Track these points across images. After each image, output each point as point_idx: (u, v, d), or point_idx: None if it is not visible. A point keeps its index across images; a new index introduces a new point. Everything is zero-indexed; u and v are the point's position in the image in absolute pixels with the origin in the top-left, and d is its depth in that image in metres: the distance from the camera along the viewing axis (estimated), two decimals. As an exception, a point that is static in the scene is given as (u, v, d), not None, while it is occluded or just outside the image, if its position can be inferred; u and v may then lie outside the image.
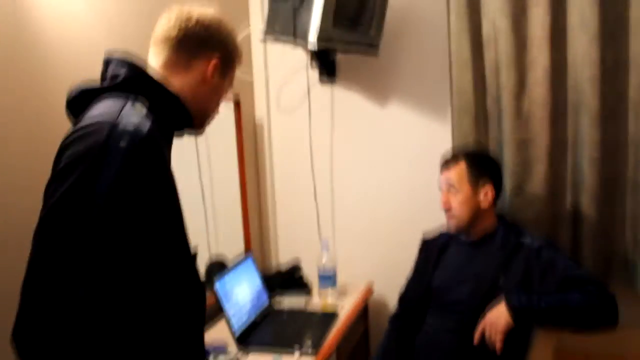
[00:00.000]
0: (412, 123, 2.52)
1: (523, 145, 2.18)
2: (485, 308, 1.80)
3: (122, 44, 1.87)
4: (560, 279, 1.81)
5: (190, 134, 1.33)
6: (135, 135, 1.03)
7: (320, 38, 2.06)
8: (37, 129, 1.54)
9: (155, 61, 1.25)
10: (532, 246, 1.89)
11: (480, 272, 1.93)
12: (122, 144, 1.01)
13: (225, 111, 2.48)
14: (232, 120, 2.53)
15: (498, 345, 1.73)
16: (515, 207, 2.20)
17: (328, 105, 2.64)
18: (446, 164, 2.01)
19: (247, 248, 2.61)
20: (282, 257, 2.81)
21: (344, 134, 2.65)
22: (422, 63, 2.47)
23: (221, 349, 1.98)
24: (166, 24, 1.25)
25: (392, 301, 2.34)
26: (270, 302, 2.36)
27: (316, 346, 1.97)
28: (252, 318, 2.18)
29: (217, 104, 1.33)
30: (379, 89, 2.56)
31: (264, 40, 2.25)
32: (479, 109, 2.26)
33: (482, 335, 1.78)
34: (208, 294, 1.57)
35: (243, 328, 2.08)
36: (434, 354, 1.94)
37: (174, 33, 1.23)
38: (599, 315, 1.75)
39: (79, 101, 1.16)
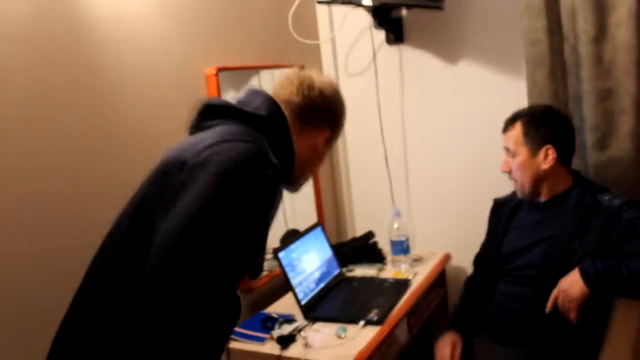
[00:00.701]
0: (486, 81, 2.36)
1: (605, 94, 1.96)
2: (558, 275, 1.67)
3: (188, 42, 1.94)
4: None
5: (284, 188, 1.36)
6: (275, 168, 1.12)
7: (375, -6, 1.97)
8: (97, 126, 1.63)
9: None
10: (611, 205, 1.70)
11: (553, 235, 1.78)
12: (269, 172, 1.09)
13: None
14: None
15: (572, 315, 1.60)
16: (599, 164, 2.00)
17: (397, 67, 2.54)
18: (505, 127, 1.87)
19: (320, 220, 2.59)
20: (359, 229, 2.76)
21: (414, 96, 2.54)
22: (492, 13, 2.30)
23: (288, 317, 1.99)
24: (288, 86, 1.30)
25: (470, 268, 2.23)
26: (341, 270, 2.34)
27: (383, 315, 1.93)
28: (321, 287, 2.17)
29: (316, 168, 1.40)
30: (448, 46, 2.42)
31: (321, 3, 2.19)
32: (556, 60, 2.06)
33: (556, 303, 1.65)
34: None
35: (310, 297, 2.08)
36: (506, 322, 1.84)
37: (296, 100, 1.29)
38: None
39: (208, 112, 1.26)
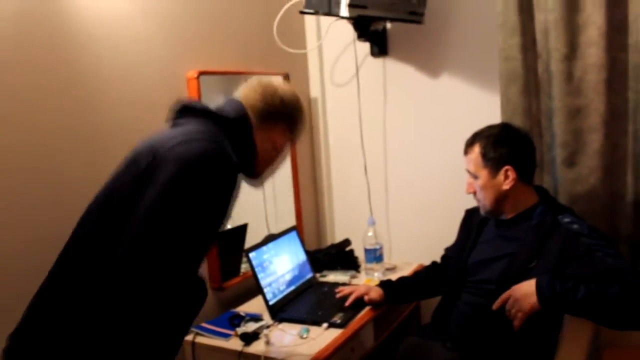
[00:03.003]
0: (465, 95, 2.41)
1: (575, 112, 2.01)
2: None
3: (171, 45, 2.01)
4: (599, 270, 1.62)
5: (248, 182, 1.55)
6: (232, 164, 1.30)
7: (352, 5, 2.04)
8: (79, 126, 1.72)
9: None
10: (570, 228, 1.72)
11: (513, 252, 1.80)
12: (225, 166, 1.28)
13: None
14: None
15: (517, 323, 1.63)
16: (567, 180, 2.03)
17: (380, 78, 2.59)
18: (465, 149, 1.89)
19: (299, 226, 2.63)
20: (338, 236, 2.80)
21: (395, 108, 2.59)
22: (471, 29, 2.35)
23: (255, 316, 2.03)
24: (252, 93, 1.48)
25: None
26: (313, 275, 2.38)
27: (347, 319, 1.97)
28: (292, 289, 2.21)
29: (277, 164, 1.58)
30: (429, 60, 2.48)
31: (303, 13, 2.25)
32: (529, 76, 2.10)
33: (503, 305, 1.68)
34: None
35: (279, 298, 2.12)
36: (463, 328, 1.87)
37: (259, 105, 1.47)
38: None
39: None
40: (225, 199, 1.29)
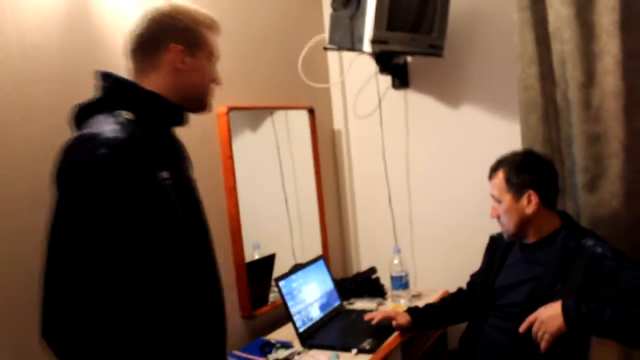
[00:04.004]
0: (484, 124, 2.48)
1: (594, 138, 2.05)
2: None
3: None
4: (624, 291, 1.66)
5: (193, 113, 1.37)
6: (110, 144, 1.11)
7: (374, 41, 2.12)
8: None
9: (127, 75, 1.31)
10: (594, 251, 1.76)
11: (538, 276, 1.84)
12: (102, 150, 1.10)
13: (300, 119, 2.62)
14: (307, 127, 2.65)
15: (544, 344, 1.66)
16: (588, 205, 2.07)
17: (402, 110, 2.67)
18: (489, 174, 1.96)
19: (325, 255, 2.69)
20: (363, 265, 2.85)
21: (417, 139, 2.66)
22: (491, 61, 2.43)
23: (286, 344, 2.07)
24: (125, 37, 1.29)
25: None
26: (341, 302, 2.42)
27: (376, 345, 2.00)
28: (320, 317, 2.25)
29: (207, 81, 1.36)
30: (450, 91, 2.56)
31: (327, 49, 2.35)
32: (548, 104, 2.16)
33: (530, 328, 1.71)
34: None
35: (308, 325, 2.17)
36: (491, 353, 1.89)
37: (132, 46, 1.29)
38: None
39: (80, 115, 1.26)
40: (122, 184, 1.11)
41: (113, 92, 1.25)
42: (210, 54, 1.36)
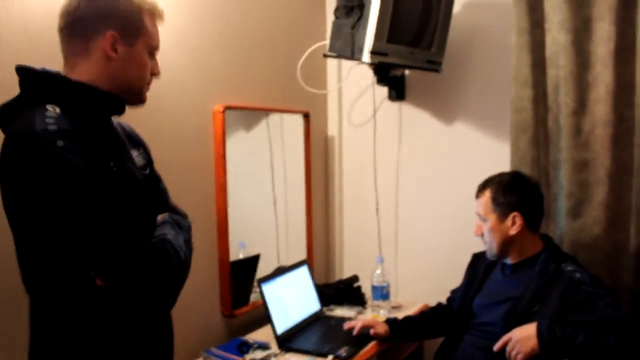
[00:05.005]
0: (475, 142, 2.50)
1: (582, 165, 2.09)
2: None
3: (200, 79, 2.11)
4: (599, 318, 1.71)
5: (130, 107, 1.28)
6: (44, 137, 1.06)
7: (374, 52, 2.15)
8: None
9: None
10: (573, 276, 1.80)
11: (516, 297, 1.87)
12: (33, 144, 1.06)
13: (295, 123, 2.64)
14: (301, 132, 2.67)
15: (516, 364, 1.69)
16: (571, 230, 2.10)
17: (396, 122, 2.70)
18: (476, 193, 1.99)
19: (310, 260, 2.70)
20: (347, 272, 2.87)
21: (409, 150, 2.69)
22: (487, 81, 2.46)
23: (263, 345, 2.09)
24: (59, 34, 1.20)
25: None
26: (321, 309, 2.44)
27: (352, 353, 2.02)
28: (299, 321, 2.27)
29: (143, 73, 1.25)
30: (444, 107, 2.58)
31: (327, 56, 2.37)
32: (540, 128, 2.20)
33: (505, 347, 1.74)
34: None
35: (287, 328, 2.18)
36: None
37: (62, 34, 1.19)
38: None
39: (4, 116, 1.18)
40: (62, 167, 1.06)
41: (34, 87, 1.17)
42: (149, 45, 1.24)
